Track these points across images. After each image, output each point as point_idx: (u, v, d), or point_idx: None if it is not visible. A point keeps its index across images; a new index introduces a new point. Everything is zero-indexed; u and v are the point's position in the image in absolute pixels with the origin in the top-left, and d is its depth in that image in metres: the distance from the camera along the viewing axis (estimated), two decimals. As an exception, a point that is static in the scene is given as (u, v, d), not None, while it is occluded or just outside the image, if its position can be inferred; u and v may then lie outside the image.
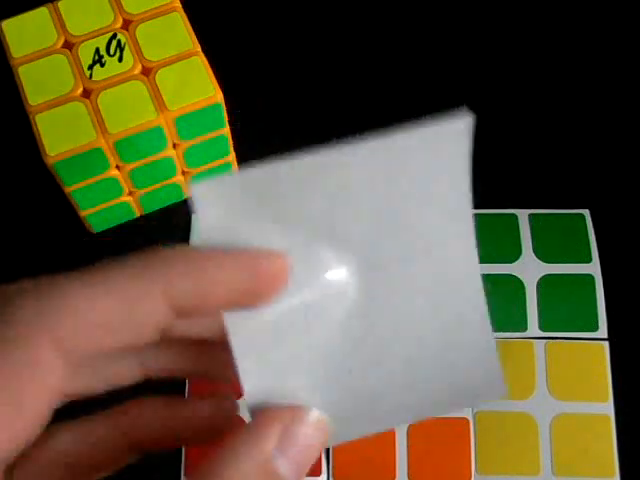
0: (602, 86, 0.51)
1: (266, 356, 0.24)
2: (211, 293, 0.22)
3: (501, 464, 0.42)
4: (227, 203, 0.23)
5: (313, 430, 0.24)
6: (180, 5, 0.43)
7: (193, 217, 0.23)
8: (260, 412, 0.24)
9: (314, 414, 0.24)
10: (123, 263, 0.22)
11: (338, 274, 0.24)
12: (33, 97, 0.41)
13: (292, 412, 0.24)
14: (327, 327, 0.25)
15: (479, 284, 0.25)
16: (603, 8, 0.54)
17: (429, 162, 0.24)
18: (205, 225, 0.23)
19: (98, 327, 0.22)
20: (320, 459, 0.42)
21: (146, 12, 0.43)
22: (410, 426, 0.43)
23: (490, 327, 0.25)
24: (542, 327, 0.45)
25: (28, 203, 0.49)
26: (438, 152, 0.24)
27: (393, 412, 0.26)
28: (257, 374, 0.24)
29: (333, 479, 0.42)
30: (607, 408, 0.43)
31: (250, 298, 0.23)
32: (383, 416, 0.26)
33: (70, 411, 0.26)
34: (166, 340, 0.24)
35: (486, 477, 0.42)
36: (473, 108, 0.54)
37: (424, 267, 0.25)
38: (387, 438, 0.43)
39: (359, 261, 0.24)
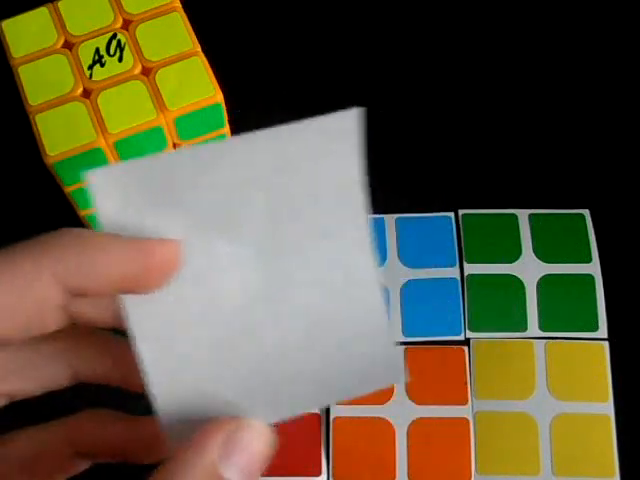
0: (602, 86, 0.51)
1: (168, 344, 0.25)
2: (101, 274, 0.23)
3: (501, 464, 0.42)
4: (124, 191, 0.23)
5: (255, 436, 0.25)
6: (180, 5, 0.43)
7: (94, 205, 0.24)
8: (205, 423, 0.24)
9: (256, 422, 0.25)
10: (14, 248, 0.23)
11: (236, 261, 0.25)
12: (33, 97, 0.41)
13: (235, 421, 0.25)
14: (228, 314, 0.25)
15: (374, 271, 0.26)
16: (603, 8, 0.54)
17: (318, 153, 0.25)
18: (103, 212, 0.24)
19: None
20: (320, 459, 0.42)
21: (146, 12, 0.43)
22: (410, 426, 0.43)
23: (386, 314, 0.26)
24: (542, 327, 0.45)
25: (28, 203, 0.49)
26: (327, 144, 0.25)
27: (296, 399, 0.26)
28: (159, 361, 0.24)
29: (333, 479, 0.42)
30: (607, 408, 0.43)
31: (141, 282, 0.24)
32: (287, 403, 0.26)
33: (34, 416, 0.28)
34: (93, 341, 0.26)
35: (486, 477, 0.42)
36: (473, 108, 0.54)
37: (320, 255, 0.26)
38: (387, 438, 0.43)
39: (257, 249, 0.25)
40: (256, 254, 0.25)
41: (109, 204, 0.24)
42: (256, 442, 0.24)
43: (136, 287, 0.24)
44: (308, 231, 0.26)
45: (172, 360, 0.25)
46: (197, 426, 0.24)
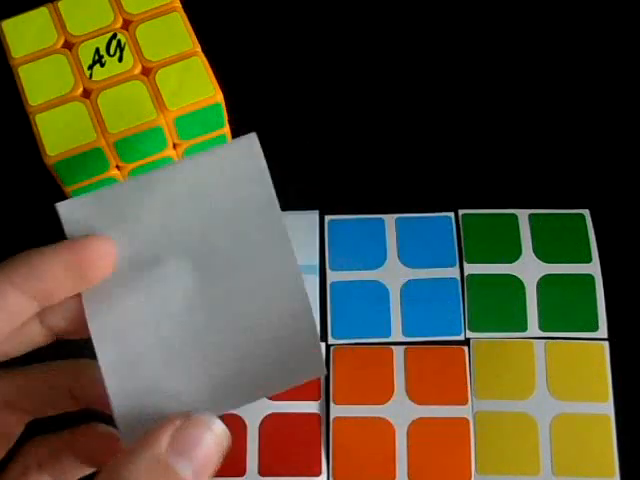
0: (602, 86, 0.51)
1: (123, 345, 0.29)
2: (49, 274, 0.28)
3: (501, 464, 0.42)
4: (87, 218, 0.29)
5: (204, 429, 0.27)
6: (180, 5, 0.43)
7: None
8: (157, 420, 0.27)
9: (204, 416, 0.27)
10: None
11: (178, 273, 0.30)
12: (33, 97, 0.41)
13: (183, 415, 0.27)
14: (173, 318, 0.29)
15: (299, 277, 0.30)
16: (603, 8, 0.54)
17: (230, 175, 0.30)
18: (71, 237, 0.29)
19: None
20: (320, 459, 0.42)
21: (146, 12, 0.43)
22: (410, 426, 0.43)
23: (312, 316, 0.30)
24: (542, 327, 0.45)
25: (28, 203, 0.49)
26: (235, 166, 0.30)
27: (234, 394, 0.29)
28: (116, 362, 0.29)
29: (333, 479, 0.42)
30: (607, 408, 0.43)
31: (82, 274, 0.28)
32: (228, 398, 0.29)
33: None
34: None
35: (486, 477, 0.42)
36: (473, 108, 0.54)
37: (248, 266, 0.30)
38: (387, 438, 0.43)
39: (194, 262, 0.30)
40: (193, 267, 0.30)
41: (75, 230, 0.30)
42: (206, 435, 0.26)
43: (80, 280, 0.28)
44: (236, 244, 0.30)
45: (126, 360, 0.29)
46: (150, 424, 0.27)
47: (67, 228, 0.30)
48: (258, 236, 0.30)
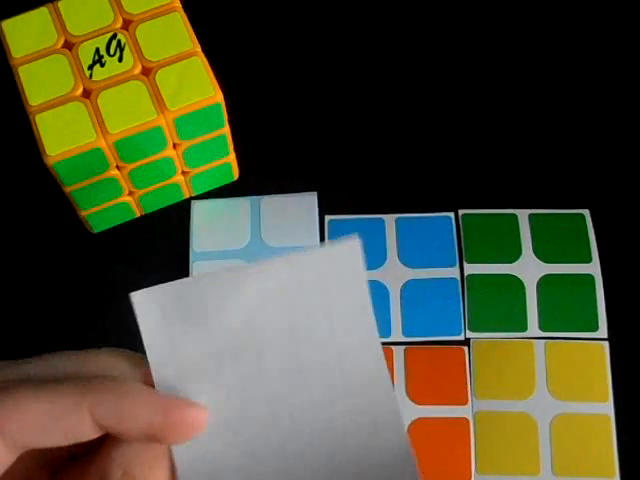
0: (602, 86, 0.51)
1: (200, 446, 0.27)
2: (130, 424, 0.26)
3: (501, 464, 0.42)
4: (163, 309, 0.27)
5: None
6: (180, 5, 0.43)
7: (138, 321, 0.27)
8: None
9: None
10: (68, 381, 0.26)
11: (261, 378, 0.28)
12: (33, 97, 0.41)
13: None
14: (255, 427, 0.27)
15: (390, 390, 0.28)
16: (603, 8, 0.54)
17: (328, 278, 0.28)
18: (146, 329, 0.27)
19: (35, 427, 0.25)
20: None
21: (146, 12, 0.43)
22: (410, 426, 0.43)
23: (404, 427, 0.28)
24: (542, 327, 0.45)
25: (28, 203, 0.49)
26: (335, 269, 0.28)
27: None
28: (191, 459, 0.27)
29: (333, 479, 0.42)
30: (607, 408, 0.43)
31: (165, 436, 0.26)
32: None
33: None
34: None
35: (486, 477, 0.42)
36: (473, 108, 0.54)
37: (338, 375, 0.28)
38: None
39: (281, 366, 0.28)
40: (280, 371, 0.28)
41: (150, 322, 0.27)
42: None
43: (161, 439, 0.26)
44: (325, 353, 0.28)
45: (202, 461, 0.27)
46: None
47: (142, 322, 0.27)
48: (348, 344, 0.28)
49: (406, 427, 0.43)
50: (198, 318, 0.27)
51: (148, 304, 0.27)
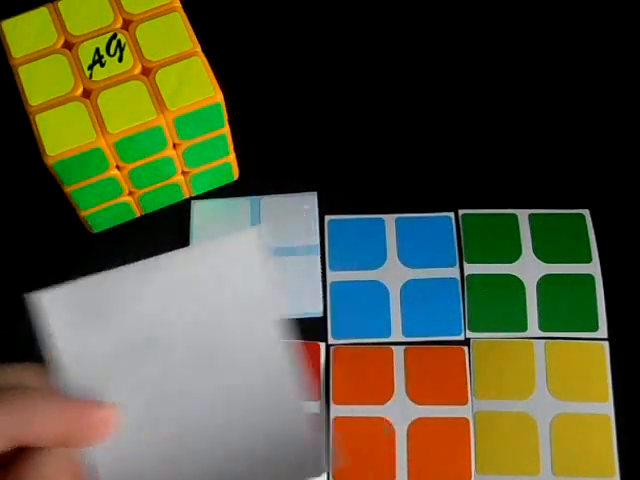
0: (602, 86, 0.51)
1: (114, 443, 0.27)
2: (40, 432, 0.26)
3: (501, 464, 0.42)
4: (67, 310, 0.27)
5: None
6: (180, 5, 0.43)
7: (38, 324, 0.28)
8: None
9: None
10: None
11: (170, 365, 0.28)
12: (33, 97, 0.41)
13: None
14: (169, 412, 0.28)
15: (293, 375, 0.29)
16: (603, 8, 0.54)
17: (228, 268, 0.29)
18: (51, 331, 0.27)
19: None
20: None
21: (146, 12, 0.43)
22: (410, 426, 0.43)
23: (305, 414, 0.29)
24: (542, 327, 0.45)
25: (28, 203, 0.49)
26: (234, 257, 0.29)
27: None
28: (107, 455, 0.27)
29: (333, 479, 0.42)
30: (607, 408, 0.43)
31: (78, 439, 0.26)
32: None
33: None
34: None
35: (486, 477, 0.42)
36: (473, 108, 0.54)
37: (244, 365, 0.29)
38: (387, 438, 0.43)
39: (188, 354, 0.28)
40: (187, 365, 0.28)
41: (53, 323, 0.27)
42: None
43: (75, 442, 0.26)
44: (232, 342, 0.29)
45: (118, 456, 0.28)
46: None
47: (44, 324, 0.27)
48: (254, 328, 0.29)
49: (406, 426, 0.43)
50: (103, 317, 0.28)
51: (52, 305, 0.27)
